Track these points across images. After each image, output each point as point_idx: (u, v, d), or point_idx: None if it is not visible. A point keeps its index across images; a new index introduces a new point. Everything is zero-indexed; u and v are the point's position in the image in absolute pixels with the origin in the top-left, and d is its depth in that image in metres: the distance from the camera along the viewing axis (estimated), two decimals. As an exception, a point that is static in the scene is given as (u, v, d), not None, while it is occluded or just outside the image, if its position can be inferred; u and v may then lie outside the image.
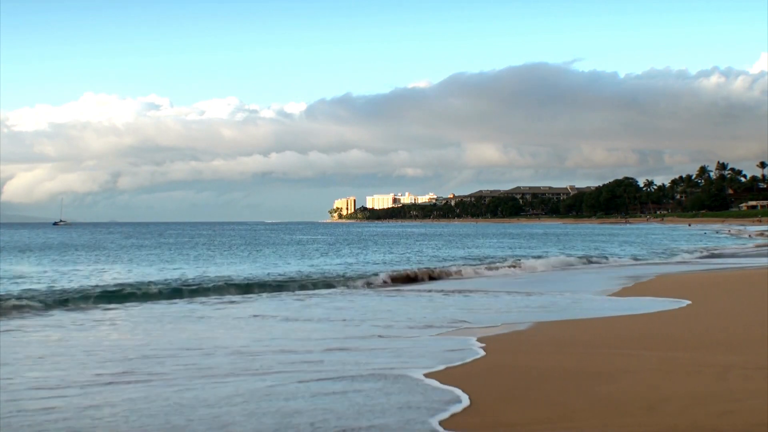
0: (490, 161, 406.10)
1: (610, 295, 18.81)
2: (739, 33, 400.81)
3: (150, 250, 48.28)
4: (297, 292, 20.39)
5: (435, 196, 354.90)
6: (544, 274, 27.98)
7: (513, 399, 7.57)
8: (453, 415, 7.00)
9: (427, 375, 8.72)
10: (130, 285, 20.84)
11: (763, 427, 6.29)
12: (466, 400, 7.53)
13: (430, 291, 20.66)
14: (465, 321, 13.82)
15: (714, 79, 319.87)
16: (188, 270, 29.00)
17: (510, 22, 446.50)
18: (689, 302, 16.17)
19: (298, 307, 16.73)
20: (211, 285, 21.36)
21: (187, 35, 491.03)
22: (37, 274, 27.06)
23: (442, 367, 9.25)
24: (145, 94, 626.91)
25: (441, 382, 8.33)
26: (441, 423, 6.75)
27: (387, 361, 9.63)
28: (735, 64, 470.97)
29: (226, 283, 21.70)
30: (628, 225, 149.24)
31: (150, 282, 21.85)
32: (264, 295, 19.79)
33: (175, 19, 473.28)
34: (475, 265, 30.42)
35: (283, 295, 19.81)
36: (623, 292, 19.45)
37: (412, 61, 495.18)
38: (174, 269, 29.75)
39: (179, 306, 17.02)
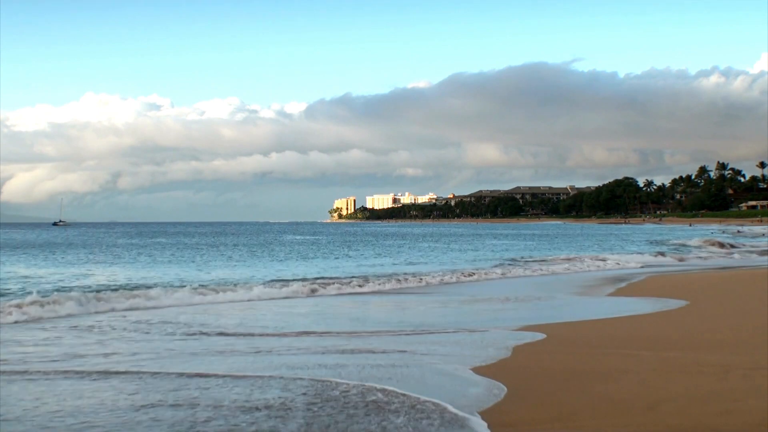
0: (490, 161, 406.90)
1: (606, 296, 18.80)
2: (739, 33, 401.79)
3: (140, 250, 48.31)
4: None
5: (435, 196, 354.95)
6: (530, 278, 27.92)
7: (513, 399, 7.58)
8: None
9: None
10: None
11: (763, 427, 6.30)
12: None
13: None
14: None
15: (714, 79, 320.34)
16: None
17: (510, 22, 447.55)
18: (686, 302, 16.17)
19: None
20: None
21: (189, 35, 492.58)
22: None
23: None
24: (147, 94, 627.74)
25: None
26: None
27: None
28: (735, 64, 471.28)
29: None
30: (627, 225, 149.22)
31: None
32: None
33: (177, 20, 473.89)
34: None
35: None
36: (618, 293, 19.41)
37: (412, 61, 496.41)
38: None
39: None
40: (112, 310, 16.21)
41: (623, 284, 21.97)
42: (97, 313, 15.74)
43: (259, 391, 7.77)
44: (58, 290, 19.62)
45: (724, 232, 79.49)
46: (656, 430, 6.35)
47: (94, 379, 8.58)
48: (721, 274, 25.58)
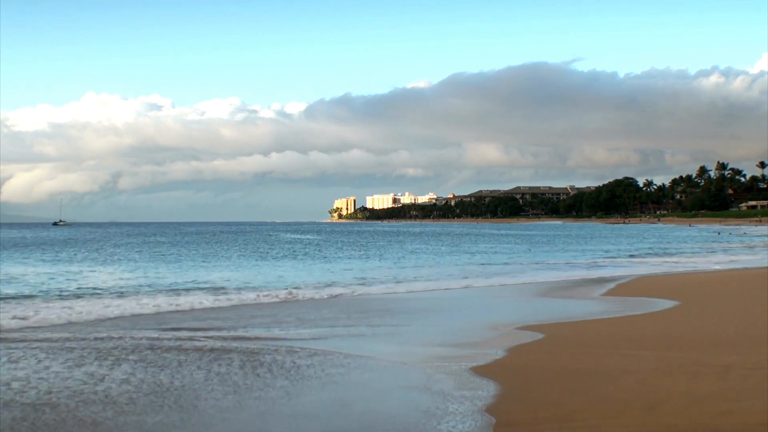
0: (490, 161, 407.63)
1: (599, 296, 18.71)
2: (739, 33, 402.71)
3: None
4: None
5: (435, 196, 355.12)
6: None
7: (512, 399, 7.55)
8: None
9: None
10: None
11: (763, 427, 6.26)
12: (464, 400, 7.50)
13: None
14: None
15: (714, 79, 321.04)
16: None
17: (509, 22, 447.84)
18: (678, 302, 16.13)
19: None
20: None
21: (189, 35, 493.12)
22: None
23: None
24: (148, 94, 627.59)
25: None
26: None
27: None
28: (735, 64, 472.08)
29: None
30: (627, 225, 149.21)
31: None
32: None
33: (178, 20, 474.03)
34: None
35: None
36: (610, 293, 19.29)
37: (412, 61, 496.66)
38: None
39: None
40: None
41: (612, 285, 21.77)
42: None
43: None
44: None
45: (730, 234, 78.27)
46: (656, 430, 6.31)
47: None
48: (708, 276, 25.50)
